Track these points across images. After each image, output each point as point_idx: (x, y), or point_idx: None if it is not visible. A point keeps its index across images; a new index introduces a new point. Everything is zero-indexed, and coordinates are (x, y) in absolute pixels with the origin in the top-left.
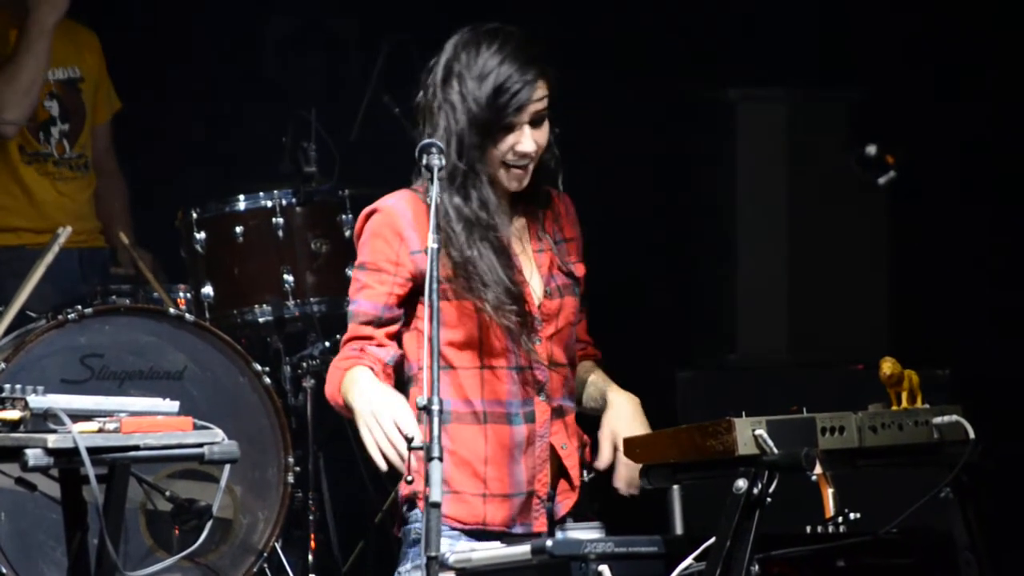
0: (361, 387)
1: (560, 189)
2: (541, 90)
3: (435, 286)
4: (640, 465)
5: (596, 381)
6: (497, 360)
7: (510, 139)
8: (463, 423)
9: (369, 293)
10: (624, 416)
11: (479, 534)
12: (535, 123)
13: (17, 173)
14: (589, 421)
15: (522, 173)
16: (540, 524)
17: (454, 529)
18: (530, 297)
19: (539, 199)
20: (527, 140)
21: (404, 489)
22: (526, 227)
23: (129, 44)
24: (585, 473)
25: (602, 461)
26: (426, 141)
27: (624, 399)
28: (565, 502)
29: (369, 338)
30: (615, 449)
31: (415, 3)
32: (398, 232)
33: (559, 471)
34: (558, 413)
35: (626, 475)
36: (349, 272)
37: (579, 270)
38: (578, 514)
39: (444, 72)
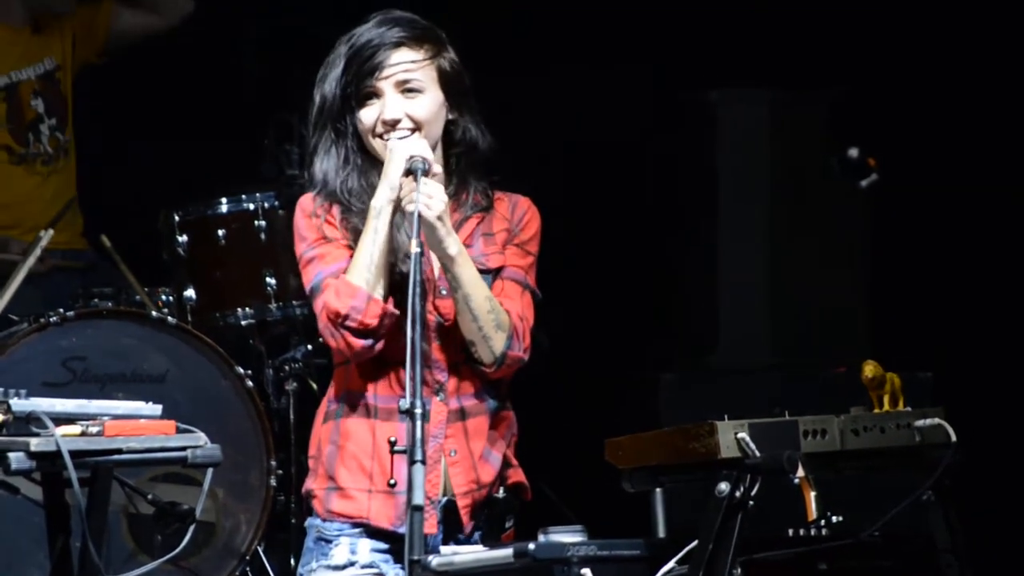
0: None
1: (488, 182)
2: (406, 55)
3: (417, 290)
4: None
5: None
6: (398, 357)
7: (375, 107)
8: (354, 417)
9: (329, 259)
10: None
11: (367, 531)
12: (407, 92)
13: (2, 175)
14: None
15: (399, 137)
16: (429, 526)
17: (343, 523)
18: (431, 292)
19: (469, 197)
20: (390, 107)
21: (308, 482)
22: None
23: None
24: (502, 490)
25: None
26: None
27: None
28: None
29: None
30: None
31: (398, 4)
32: (328, 211)
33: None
34: (459, 416)
35: None
36: None
37: (494, 261)
38: (450, 526)
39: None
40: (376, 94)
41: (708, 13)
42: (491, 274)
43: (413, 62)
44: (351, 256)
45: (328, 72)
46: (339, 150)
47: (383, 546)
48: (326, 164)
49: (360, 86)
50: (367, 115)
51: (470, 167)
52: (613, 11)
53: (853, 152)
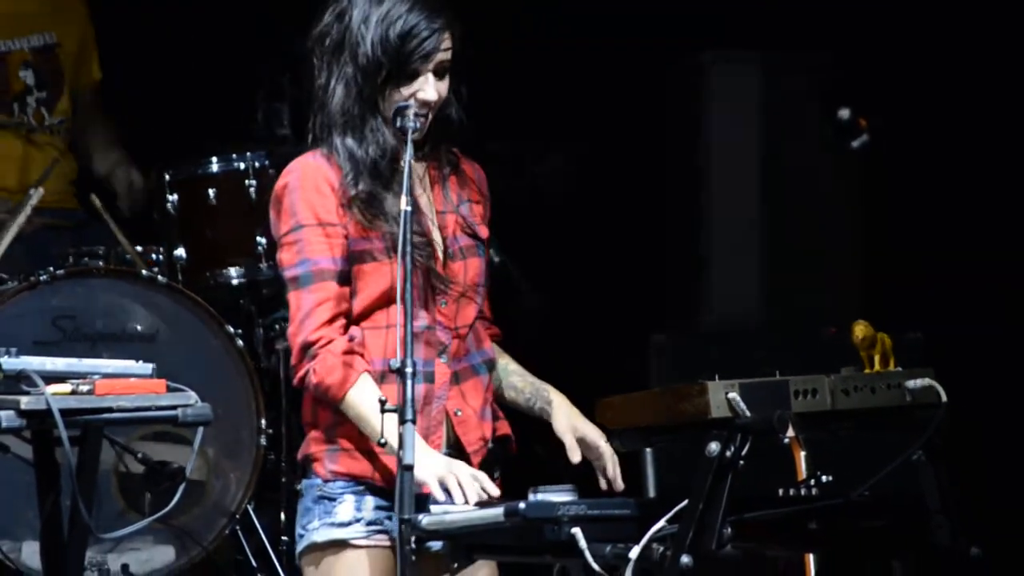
0: (408, 441)
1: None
2: (447, 41)
3: (408, 248)
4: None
5: (522, 374)
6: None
7: (414, 86)
8: None
9: (320, 248)
10: (575, 412)
11: (371, 488)
12: (438, 73)
13: None
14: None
15: (422, 121)
16: (428, 488)
17: (347, 482)
18: (437, 255)
19: (443, 159)
20: (430, 88)
21: (306, 447)
22: (429, 187)
23: (102, 5)
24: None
25: (575, 456)
26: (402, 103)
27: (564, 397)
28: None
29: (343, 310)
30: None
31: None
32: (331, 184)
33: (454, 437)
34: (459, 378)
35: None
36: None
37: (484, 231)
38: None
39: (346, 17)
40: (418, 75)
41: None
42: (482, 244)
43: (449, 49)
44: (342, 246)
45: (361, 32)
46: (358, 99)
47: (387, 503)
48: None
49: (407, 67)
50: (406, 90)
51: (448, 131)
52: None
53: (844, 113)
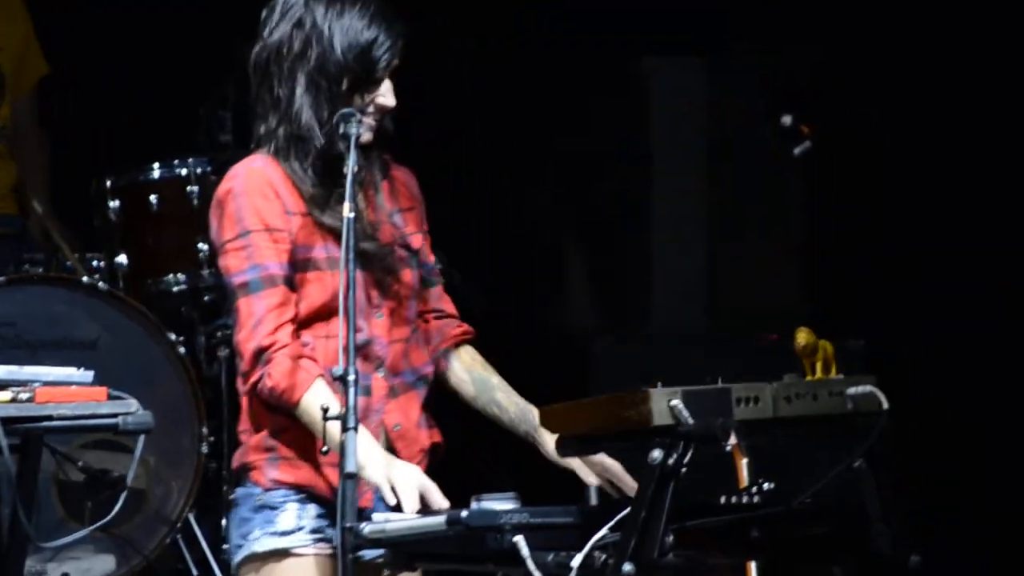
0: (370, 446)
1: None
2: (400, 49)
3: (351, 256)
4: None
5: (506, 391)
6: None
7: (375, 93)
8: None
9: (268, 253)
10: None
11: (312, 497)
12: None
13: None
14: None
15: (374, 126)
16: (366, 500)
17: (288, 490)
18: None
19: (375, 165)
20: (390, 95)
21: (241, 455)
22: (362, 197)
23: (51, 5)
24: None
25: (593, 478)
26: (346, 110)
27: None
28: None
29: (293, 316)
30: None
31: None
32: (275, 190)
33: (392, 450)
34: (395, 391)
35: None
36: None
37: (416, 241)
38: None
39: (306, 26)
40: (380, 82)
41: None
42: (415, 255)
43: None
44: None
45: (316, 38)
46: (326, 105)
47: (329, 511)
48: (308, 115)
49: (370, 76)
50: (365, 98)
51: (384, 137)
52: None
53: (787, 119)
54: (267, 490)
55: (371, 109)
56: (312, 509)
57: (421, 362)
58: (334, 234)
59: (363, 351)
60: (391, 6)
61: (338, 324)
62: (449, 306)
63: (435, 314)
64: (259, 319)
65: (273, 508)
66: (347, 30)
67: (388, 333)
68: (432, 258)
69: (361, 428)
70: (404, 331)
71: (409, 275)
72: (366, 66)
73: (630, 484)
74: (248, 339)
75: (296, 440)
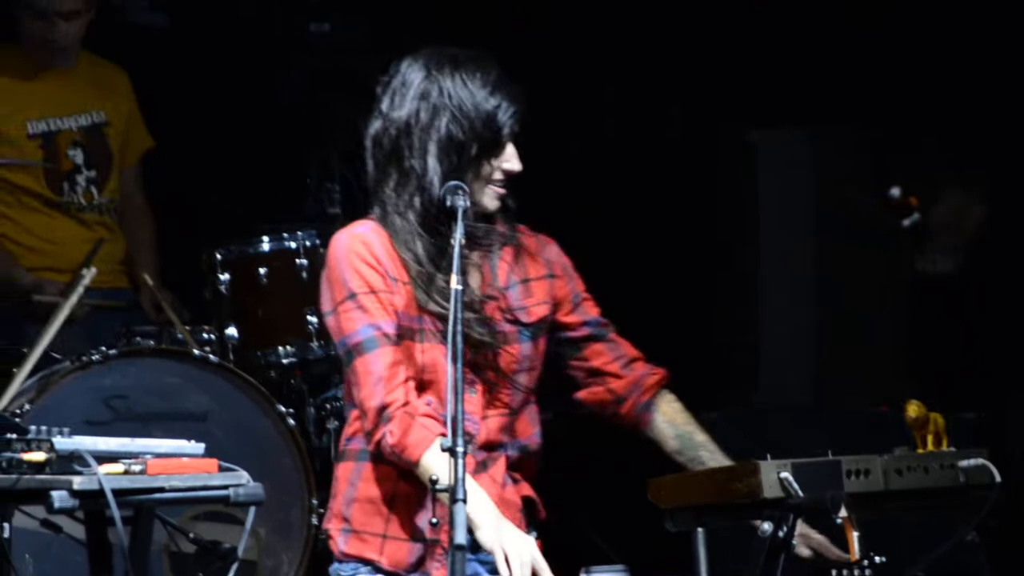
0: (486, 509)
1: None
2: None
3: (459, 328)
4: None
5: (711, 449)
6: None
7: (502, 158)
8: (376, 463)
9: (379, 312)
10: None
11: (377, 570)
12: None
13: (39, 216)
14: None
15: (503, 192)
16: (439, 574)
17: (354, 562)
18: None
19: (493, 235)
20: (516, 159)
21: (325, 520)
22: (479, 268)
23: (156, 81)
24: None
25: (835, 551)
26: (452, 183)
27: None
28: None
29: (411, 373)
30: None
31: (438, 41)
32: (376, 258)
33: None
34: (485, 466)
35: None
36: None
37: (534, 314)
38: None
39: (432, 97)
40: (505, 147)
41: (749, 52)
42: (528, 328)
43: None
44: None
45: (434, 110)
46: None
47: None
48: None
49: (499, 138)
50: (493, 163)
51: (506, 207)
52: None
53: (895, 192)
54: (340, 562)
55: (498, 176)
56: None
57: (528, 434)
58: (429, 310)
59: (451, 426)
60: (509, 74)
61: (426, 398)
62: (630, 349)
63: (619, 362)
64: (379, 377)
65: None
66: (472, 98)
67: (481, 409)
68: (595, 312)
69: (477, 486)
70: (504, 406)
71: (516, 350)
72: (492, 131)
73: (836, 554)
74: (369, 397)
75: (364, 513)
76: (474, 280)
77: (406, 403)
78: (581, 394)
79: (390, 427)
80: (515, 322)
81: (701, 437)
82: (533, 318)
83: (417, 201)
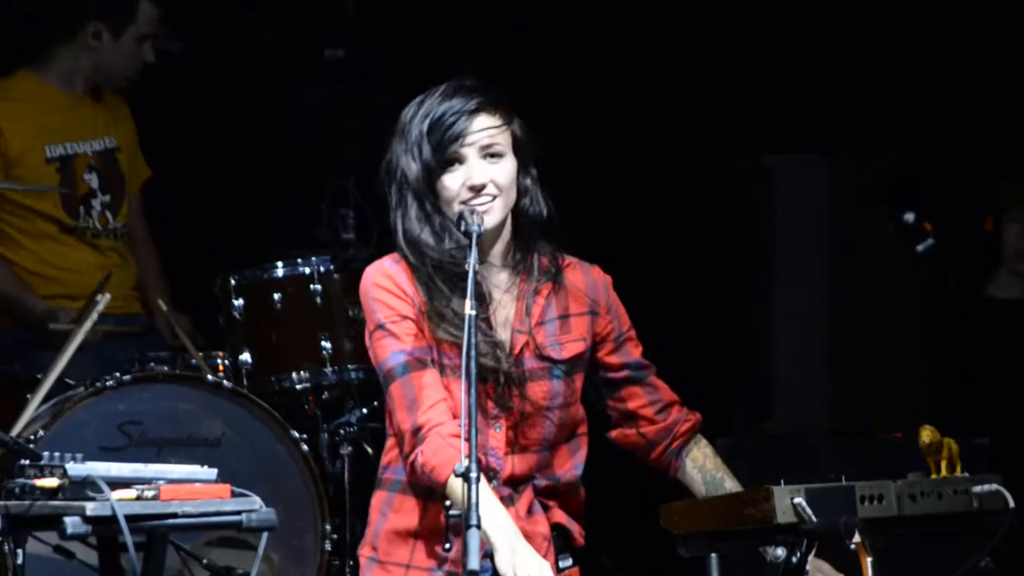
0: (505, 532)
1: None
2: (486, 121)
3: (472, 353)
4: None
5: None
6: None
7: (459, 174)
8: (406, 494)
9: (408, 339)
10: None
11: None
12: (490, 157)
13: (53, 243)
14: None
15: (485, 208)
16: None
17: None
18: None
19: (534, 268)
20: (476, 172)
21: (360, 546)
22: (513, 303)
23: (166, 109)
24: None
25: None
26: (460, 209)
27: None
28: None
29: (444, 396)
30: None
31: (450, 66)
32: (402, 288)
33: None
34: (512, 500)
35: None
36: None
37: (567, 351)
38: None
39: (398, 130)
40: (459, 160)
41: (764, 78)
42: (561, 365)
43: (494, 127)
44: (424, 338)
45: (404, 144)
46: (430, 218)
47: None
48: (419, 233)
49: (445, 153)
50: (452, 181)
51: (535, 232)
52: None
53: (909, 217)
54: None
55: (464, 193)
56: None
57: (564, 468)
58: (446, 341)
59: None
60: (479, 84)
61: (459, 419)
62: (668, 393)
63: (655, 406)
64: (412, 400)
65: None
66: (424, 117)
67: (505, 445)
68: (636, 353)
69: (501, 507)
70: (535, 443)
71: (545, 387)
72: (441, 146)
73: None
74: (404, 420)
75: (391, 543)
76: (501, 314)
77: (439, 424)
78: (613, 434)
79: (422, 447)
80: (545, 358)
81: (730, 484)
82: (567, 355)
83: (428, 232)
